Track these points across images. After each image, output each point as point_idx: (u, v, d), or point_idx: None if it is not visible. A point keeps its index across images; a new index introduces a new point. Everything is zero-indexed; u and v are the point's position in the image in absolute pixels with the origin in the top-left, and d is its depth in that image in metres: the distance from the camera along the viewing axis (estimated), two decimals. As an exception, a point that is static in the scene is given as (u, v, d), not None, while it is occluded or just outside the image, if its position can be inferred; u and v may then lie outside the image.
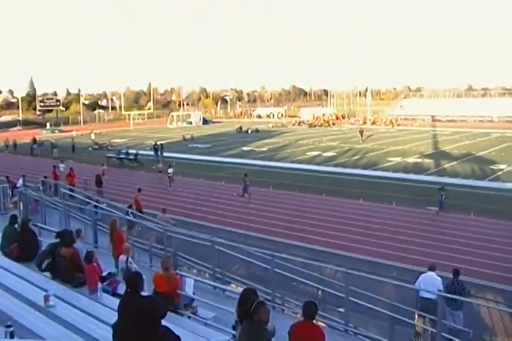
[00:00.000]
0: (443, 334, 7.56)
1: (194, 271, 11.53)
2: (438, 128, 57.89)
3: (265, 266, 9.65)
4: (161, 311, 4.94)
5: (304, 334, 5.16)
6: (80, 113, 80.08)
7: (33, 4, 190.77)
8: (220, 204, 21.21)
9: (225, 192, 23.65)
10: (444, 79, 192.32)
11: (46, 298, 6.09)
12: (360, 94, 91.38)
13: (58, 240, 7.91)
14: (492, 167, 29.47)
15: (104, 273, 7.52)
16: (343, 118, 72.38)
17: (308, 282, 9.78)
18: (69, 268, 7.44)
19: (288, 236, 16.40)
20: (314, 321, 5.38)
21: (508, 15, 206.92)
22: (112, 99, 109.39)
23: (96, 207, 14.49)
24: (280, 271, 9.49)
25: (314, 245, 15.45)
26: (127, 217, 13.62)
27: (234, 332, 5.99)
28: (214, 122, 77.21)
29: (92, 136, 48.58)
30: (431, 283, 8.86)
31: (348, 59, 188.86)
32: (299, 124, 66.83)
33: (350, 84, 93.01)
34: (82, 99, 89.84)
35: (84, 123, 73.96)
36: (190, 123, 71.35)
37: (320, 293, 9.77)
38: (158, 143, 37.29)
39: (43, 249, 8.24)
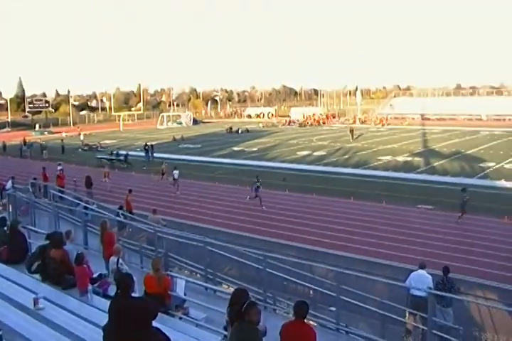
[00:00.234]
0: (433, 331, 7.62)
1: (185, 271, 11.49)
2: (427, 126, 58.29)
3: (257, 266, 9.64)
4: (152, 312, 4.90)
5: (295, 333, 5.17)
6: (69, 114, 79.43)
7: (22, 5, 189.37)
8: (210, 204, 21.18)
9: (214, 192, 23.69)
10: (433, 78, 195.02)
11: (36, 301, 6.04)
12: (350, 94, 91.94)
13: (48, 242, 7.83)
14: (481, 165, 29.72)
15: (94, 275, 7.49)
16: (334, 117, 72.69)
17: (300, 282, 9.79)
18: (59, 270, 7.38)
19: (280, 236, 16.42)
20: (305, 320, 5.39)
21: (496, 15, 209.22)
22: (101, 100, 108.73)
23: (86, 208, 14.40)
24: (272, 271, 9.50)
25: (305, 244, 15.45)
26: (118, 218, 13.56)
27: (225, 333, 5.97)
28: (204, 122, 77.16)
29: (81, 137, 48.29)
30: (421, 280, 8.92)
31: (338, 58, 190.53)
32: (289, 124, 66.91)
33: (340, 84, 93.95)
34: (71, 100, 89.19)
35: (74, 124, 73.28)
36: (181, 123, 71.18)
37: (311, 292, 9.79)
38: (148, 143, 37.22)
39: (33, 251, 8.17)
